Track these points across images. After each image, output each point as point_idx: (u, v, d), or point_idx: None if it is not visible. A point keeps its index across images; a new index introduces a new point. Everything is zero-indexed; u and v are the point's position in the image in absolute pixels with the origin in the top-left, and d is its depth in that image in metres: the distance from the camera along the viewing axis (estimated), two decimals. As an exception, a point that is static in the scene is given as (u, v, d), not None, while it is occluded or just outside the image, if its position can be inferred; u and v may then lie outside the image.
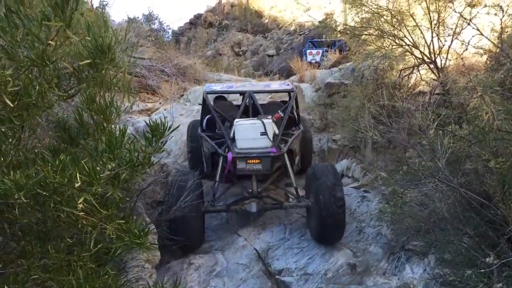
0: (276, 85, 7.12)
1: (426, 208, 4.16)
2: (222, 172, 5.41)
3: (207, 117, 6.41)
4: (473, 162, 3.75)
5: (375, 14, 6.12)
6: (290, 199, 5.62)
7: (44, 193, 1.53)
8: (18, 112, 1.75)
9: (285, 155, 5.44)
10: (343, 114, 6.87)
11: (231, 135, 5.45)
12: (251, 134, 5.31)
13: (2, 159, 1.74)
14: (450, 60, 5.78)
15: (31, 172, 1.60)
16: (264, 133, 5.28)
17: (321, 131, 8.42)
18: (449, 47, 5.65)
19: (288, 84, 7.09)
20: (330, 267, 4.70)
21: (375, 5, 6.13)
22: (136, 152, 1.80)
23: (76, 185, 1.51)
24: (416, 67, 6.15)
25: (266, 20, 28.36)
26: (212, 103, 6.17)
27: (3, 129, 1.82)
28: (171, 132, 1.90)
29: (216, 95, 6.69)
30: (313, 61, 14.59)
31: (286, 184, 5.98)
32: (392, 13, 5.93)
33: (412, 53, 5.98)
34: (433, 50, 5.76)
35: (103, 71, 1.81)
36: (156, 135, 1.84)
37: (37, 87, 1.69)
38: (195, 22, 30.06)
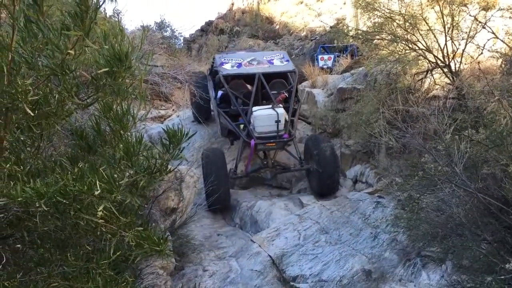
0: (277, 60, 8.27)
1: (442, 213, 4.09)
2: (242, 151, 7.28)
3: (221, 92, 7.98)
4: (491, 167, 3.69)
5: (387, 19, 6.08)
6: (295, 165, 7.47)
7: (64, 201, 1.53)
8: (37, 121, 1.77)
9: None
10: (356, 119, 6.85)
11: (249, 119, 7.04)
12: (267, 122, 6.91)
13: (22, 168, 1.75)
14: (464, 64, 5.72)
15: (50, 180, 1.61)
16: (278, 121, 6.83)
17: (333, 136, 8.38)
18: (463, 50, 5.59)
19: (288, 60, 8.28)
20: (345, 273, 4.65)
21: (388, 9, 6.10)
22: (153, 159, 1.81)
23: (96, 192, 1.52)
24: (429, 71, 6.09)
25: (277, 26, 28.37)
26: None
27: (22, 138, 1.84)
28: (188, 139, 1.90)
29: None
30: (325, 67, 14.53)
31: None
32: (405, 17, 5.89)
33: (425, 57, 5.92)
34: (447, 54, 5.70)
35: (121, 79, 1.82)
36: (173, 142, 1.85)
37: (57, 96, 1.70)
38: (207, 29, 30.20)
